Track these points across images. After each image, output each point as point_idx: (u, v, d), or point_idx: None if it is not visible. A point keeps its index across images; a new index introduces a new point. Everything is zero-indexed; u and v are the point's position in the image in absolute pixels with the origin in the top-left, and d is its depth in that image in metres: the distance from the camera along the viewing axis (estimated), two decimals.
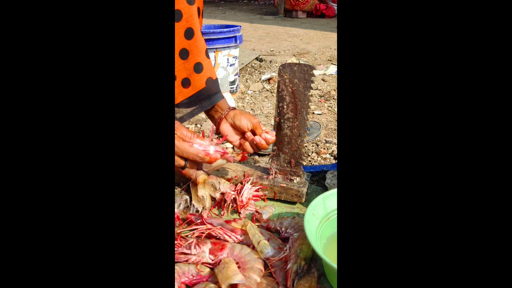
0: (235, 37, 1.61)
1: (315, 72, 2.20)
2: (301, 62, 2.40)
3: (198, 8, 0.77)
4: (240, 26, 1.67)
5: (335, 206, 0.71)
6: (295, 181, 0.89)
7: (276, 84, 0.85)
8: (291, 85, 0.83)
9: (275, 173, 0.91)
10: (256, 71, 2.30)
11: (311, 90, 0.82)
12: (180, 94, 0.78)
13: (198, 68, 0.77)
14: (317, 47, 2.96)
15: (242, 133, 0.87)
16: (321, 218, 0.68)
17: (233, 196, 0.86)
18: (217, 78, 0.81)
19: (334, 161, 1.15)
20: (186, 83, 0.78)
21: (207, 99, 0.80)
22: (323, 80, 2.06)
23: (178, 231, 0.77)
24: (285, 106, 0.85)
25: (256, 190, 0.89)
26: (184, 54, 0.75)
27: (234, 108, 0.89)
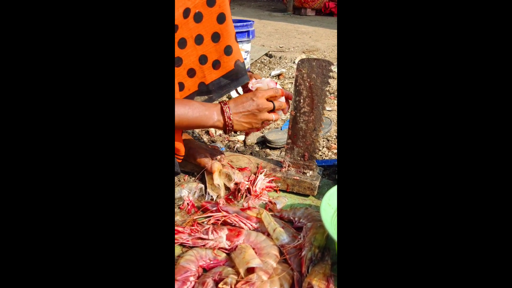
0: (248, 31, 1.63)
1: None
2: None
3: None
4: (253, 21, 1.69)
5: None
6: (308, 174, 0.91)
7: (294, 79, 0.87)
8: (308, 80, 0.85)
9: (288, 166, 0.94)
10: (266, 67, 2.31)
11: (329, 80, 0.85)
12: (211, 75, 0.83)
13: (228, 50, 0.81)
14: (326, 44, 2.96)
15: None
16: (336, 208, 0.70)
17: (247, 186, 0.88)
18: (244, 61, 0.85)
19: None
20: (216, 64, 0.83)
21: (235, 81, 0.85)
22: (332, 77, 2.08)
23: (195, 217, 0.79)
24: (301, 100, 0.87)
25: (270, 182, 0.91)
26: (216, 37, 0.80)
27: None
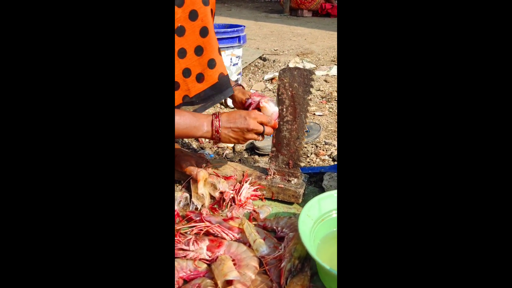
0: (238, 37, 1.63)
1: (317, 72, 2.22)
2: (304, 62, 2.42)
3: (211, 10, 0.81)
4: (244, 26, 1.69)
5: (330, 208, 0.73)
6: (292, 182, 0.92)
7: (277, 88, 0.87)
8: (290, 89, 0.85)
9: (274, 173, 0.94)
10: (260, 70, 2.31)
11: (312, 91, 0.85)
12: (195, 88, 0.84)
13: (211, 64, 0.82)
14: (321, 47, 2.96)
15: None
16: (315, 219, 0.70)
17: (232, 195, 0.88)
18: (228, 74, 0.86)
19: (332, 163, 1.17)
20: (200, 77, 0.84)
21: (219, 93, 0.86)
22: (325, 81, 2.07)
23: (178, 228, 0.80)
24: (284, 109, 0.87)
25: (255, 190, 0.91)
26: (199, 50, 0.81)
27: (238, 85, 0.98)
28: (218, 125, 0.80)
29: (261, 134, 0.84)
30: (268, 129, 0.85)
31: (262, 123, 0.83)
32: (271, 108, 0.87)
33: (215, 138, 0.81)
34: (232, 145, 1.29)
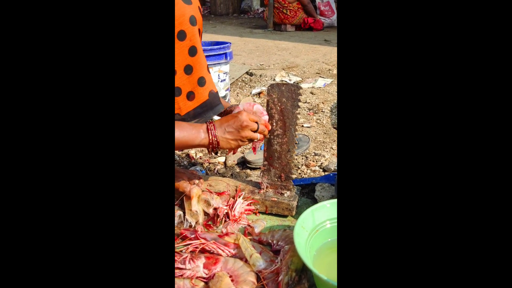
0: (225, 53, 1.66)
1: (303, 85, 2.26)
2: (290, 75, 2.47)
3: (199, 29, 0.84)
4: (230, 43, 1.72)
5: (323, 219, 0.75)
6: (285, 195, 0.93)
7: (266, 103, 0.89)
8: (279, 104, 0.87)
9: (266, 187, 0.95)
10: (247, 85, 2.35)
11: (300, 104, 0.88)
12: (186, 106, 0.85)
13: (201, 82, 0.84)
14: (305, 60, 3.03)
15: None
16: (310, 231, 0.71)
17: (226, 211, 0.88)
18: (217, 91, 0.88)
19: (323, 173, 1.19)
20: (190, 96, 0.85)
21: (210, 110, 0.88)
22: (311, 93, 2.11)
23: None
24: (274, 124, 0.89)
25: (248, 205, 0.92)
26: (188, 69, 0.83)
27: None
28: (214, 130, 0.82)
29: (256, 131, 0.85)
30: (262, 126, 0.86)
31: (254, 121, 0.85)
32: (249, 106, 0.90)
33: (213, 143, 0.82)
34: (224, 159, 1.30)
